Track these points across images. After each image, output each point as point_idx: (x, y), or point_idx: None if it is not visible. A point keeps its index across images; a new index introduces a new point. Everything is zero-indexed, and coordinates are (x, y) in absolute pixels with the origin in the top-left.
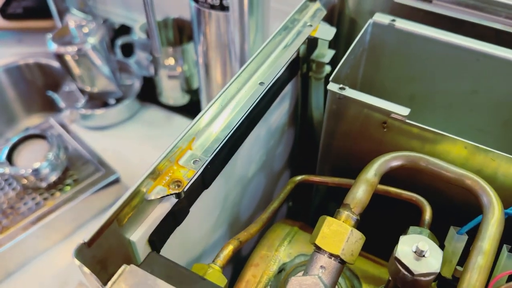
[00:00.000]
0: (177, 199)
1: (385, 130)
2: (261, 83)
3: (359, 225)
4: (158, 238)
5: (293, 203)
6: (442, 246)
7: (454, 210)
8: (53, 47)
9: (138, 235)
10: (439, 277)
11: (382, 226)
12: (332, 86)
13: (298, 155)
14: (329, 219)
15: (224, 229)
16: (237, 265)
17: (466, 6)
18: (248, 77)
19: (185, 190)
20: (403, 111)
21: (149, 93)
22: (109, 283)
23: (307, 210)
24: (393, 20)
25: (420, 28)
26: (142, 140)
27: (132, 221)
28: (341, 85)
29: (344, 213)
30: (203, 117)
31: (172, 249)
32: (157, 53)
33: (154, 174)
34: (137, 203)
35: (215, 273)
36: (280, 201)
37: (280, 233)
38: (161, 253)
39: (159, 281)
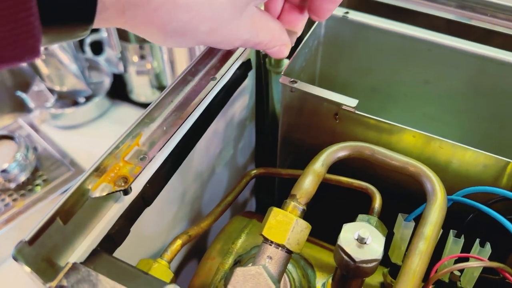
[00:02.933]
0: (125, 195)
1: (337, 121)
2: (213, 78)
3: (315, 215)
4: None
5: (262, 196)
6: (391, 232)
7: (404, 198)
8: None
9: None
10: (390, 264)
11: (337, 214)
12: (284, 79)
13: (261, 149)
14: (275, 210)
15: (184, 224)
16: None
17: None
18: (200, 70)
19: (131, 186)
20: (351, 102)
21: (119, 91)
22: (51, 282)
23: (272, 202)
24: (347, 12)
25: (374, 19)
26: (113, 138)
27: (78, 220)
28: (292, 79)
29: (291, 204)
30: (152, 112)
31: (125, 246)
32: (115, 50)
33: (99, 171)
34: (82, 201)
35: (160, 268)
36: (234, 195)
37: (237, 226)
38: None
39: (101, 277)
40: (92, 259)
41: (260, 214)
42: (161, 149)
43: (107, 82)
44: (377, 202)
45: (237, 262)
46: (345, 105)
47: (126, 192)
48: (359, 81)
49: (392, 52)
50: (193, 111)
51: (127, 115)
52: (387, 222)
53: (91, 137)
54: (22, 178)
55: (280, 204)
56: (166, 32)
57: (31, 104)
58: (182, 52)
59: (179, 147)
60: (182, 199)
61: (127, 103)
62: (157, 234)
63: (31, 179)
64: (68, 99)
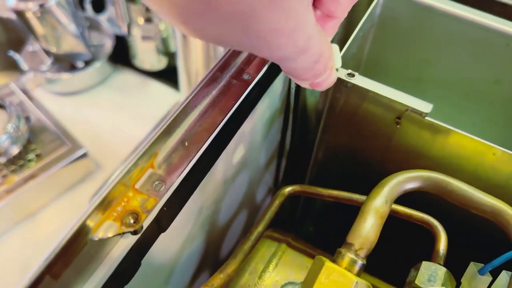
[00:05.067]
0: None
1: (398, 126)
2: (246, 76)
3: None
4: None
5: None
6: (458, 282)
7: (476, 240)
8: (12, 2)
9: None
10: None
11: (387, 247)
12: (339, 72)
13: (288, 148)
14: (328, 265)
15: (199, 240)
16: None
17: None
18: (231, 67)
19: (143, 225)
20: (425, 107)
21: (122, 55)
22: None
23: (294, 212)
24: None
25: (442, 2)
26: (114, 108)
27: (76, 267)
28: (349, 71)
29: (347, 257)
30: (170, 124)
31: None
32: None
33: (103, 204)
34: (80, 246)
35: None
36: (265, 224)
37: (265, 253)
38: None
39: None
40: None
41: (289, 232)
42: (182, 172)
43: (108, 44)
44: (443, 243)
45: None
46: (417, 110)
47: (135, 232)
48: (412, 73)
49: (460, 43)
50: (222, 119)
51: (130, 82)
52: (451, 265)
53: (89, 107)
54: (13, 152)
55: (304, 217)
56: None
57: (24, 65)
58: None
59: (202, 160)
60: (198, 214)
61: (130, 69)
62: (167, 259)
63: (23, 153)
64: (66, 63)
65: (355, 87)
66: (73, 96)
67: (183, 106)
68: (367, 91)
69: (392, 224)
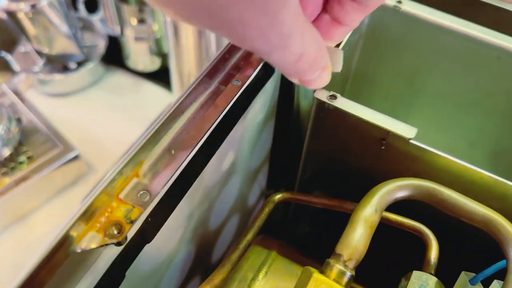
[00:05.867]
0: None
1: (383, 148)
2: (235, 81)
3: None
4: None
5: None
6: None
7: (467, 249)
8: (3, 2)
9: None
10: None
11: (378, 256)
12: (320, 93)
13: (280, 149)
14: (316, 277)
15: (187, 250)
16: None
17: None
18: (220, 72)
19: (127, 236)
20: (408, 132)
21: (115, 56)
22: None
23: (285, 217)
24: (399, 2)
25: (432, 14)
26: (107, 110)
27: (57, 279)
28: (331, 93)
29: (336, 268)
30: (157, 131)
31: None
32: (112, 25)
33: (87, 215)
34: (62, 257)
35: None
36: (254, 232)
37: (254, 261)
38: None
39: None
40: None
41: (280, 239)
42: (168, 181)
43: (101, 45)
44: (434, 252)
45: None
46: (400, 135)
47: (119, 244)
48: (401, 84)
49: (450, 55)
50: (210, 126)
51: (123, 83)
52: (442, 275)
53: (82, 108)
54: (4, 154)
55: (296, 220)
56: None
57: (16, 66)
58: None
59: (189, 168)
60: (187, 223)
61: (123, 70)
62: (155, 270)
63: (14, 155)
64: (58, 64)
65: (337, 109)
66: (66, 97)
67: (170, 112)
68: (349, 114)
69: (383, 233)
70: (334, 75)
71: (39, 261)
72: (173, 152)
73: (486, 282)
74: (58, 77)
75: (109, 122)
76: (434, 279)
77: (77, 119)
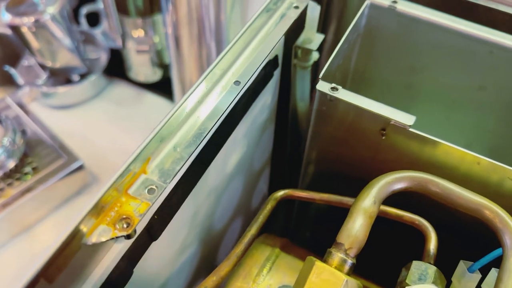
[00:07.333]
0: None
1: (383, 138)
2: (237, 82)
3: None
4: None
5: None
6: (448, 280)
7: (465, 238)
8: (7, 17)
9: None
10: None
11: (379, 249)
12: (322, 86)
13: (280, 152)
14: (318, 265)
15: (194, 247)
16: None
17: None
18: (222, 74)
19: (136, 230)
20: (407, 119)
21: (117, 68)
22: None
23: (289, 217)
24: (395, 2)
25: (426, 12)
26: (110, 120)
27: (70, 271)
28: (333, 85)
29: (337, 256)
30: (162, 131)
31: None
32: (115, 33)
33: (97, 209)
34: (74, 250)
35: None
36: (257, 227)
37: (258, 257)
38: None
39: None
40: None
41: (282, 237)
42: (174, 177)
43: (103, 58)
44: (433, 243)
45: None
46: (400, 122)
47: (129, 236)
48: (399, 81)
49: (443, 51)
50: (213, 126)
51: (125, 95)
52: (441, 264)
53: (85, 119)
54: (10, 165)
55: (299, 223)
56: None
57: (20, 80)
58: (189, 26)
59: (194, 167)
60: (192, 221)
61: (125, 81)
62: (162, 267)
63: (20, 166)
64: (61, 77)
65: (338, 100)
66: (69, 109)
67: (175, 112)
68: (350, 104)
69: (383, 226)
70: (334, 72)
71: (52, 254)
72: (178, 149)
73: (484, 270)
74: (61, 89)
75: (112, 132)
76: (433, 268)
77: (80, 130)
